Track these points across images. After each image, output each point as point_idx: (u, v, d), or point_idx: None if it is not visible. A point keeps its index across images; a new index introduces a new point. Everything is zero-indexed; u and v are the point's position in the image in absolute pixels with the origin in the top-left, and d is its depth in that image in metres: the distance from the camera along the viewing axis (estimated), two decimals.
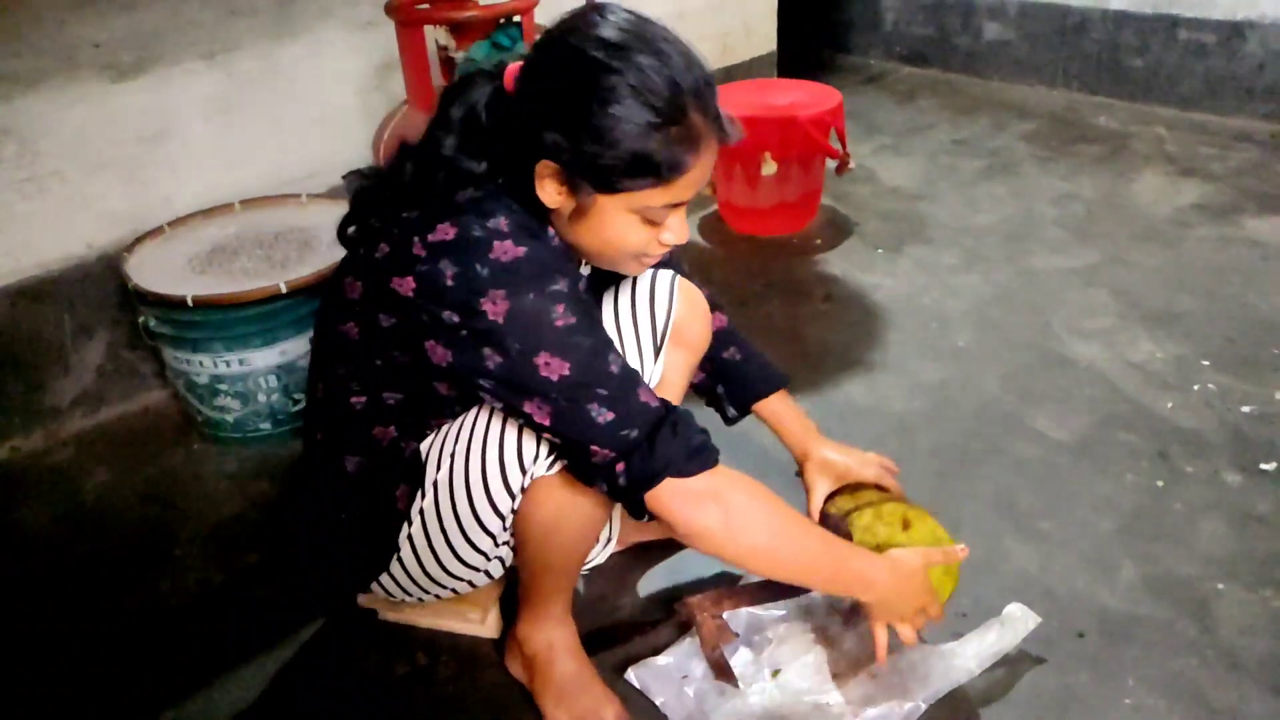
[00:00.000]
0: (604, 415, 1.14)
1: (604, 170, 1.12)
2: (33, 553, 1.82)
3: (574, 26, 1.14)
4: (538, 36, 1.20)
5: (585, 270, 1.39)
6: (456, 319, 1.13)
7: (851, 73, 4.40)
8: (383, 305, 1.19)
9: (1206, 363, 2.19)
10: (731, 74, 3.32)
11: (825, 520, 1.52)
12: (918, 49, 4.37)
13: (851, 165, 2.84)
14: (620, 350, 1.41)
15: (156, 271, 1.99)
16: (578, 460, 1.20)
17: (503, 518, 1.31)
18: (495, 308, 1.11)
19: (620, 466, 1.17)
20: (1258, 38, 3.45)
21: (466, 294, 1.11)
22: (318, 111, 2.40)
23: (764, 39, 3.48)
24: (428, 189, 1.18)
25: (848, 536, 1.43)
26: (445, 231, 1.14)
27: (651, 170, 1.12)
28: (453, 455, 1.29)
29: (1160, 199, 3.02)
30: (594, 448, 1.16)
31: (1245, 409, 2.03)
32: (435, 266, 1.12)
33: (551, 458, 1.26)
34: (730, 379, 1.61)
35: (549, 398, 1.14)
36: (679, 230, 1.21)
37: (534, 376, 1.13)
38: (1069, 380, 2.16)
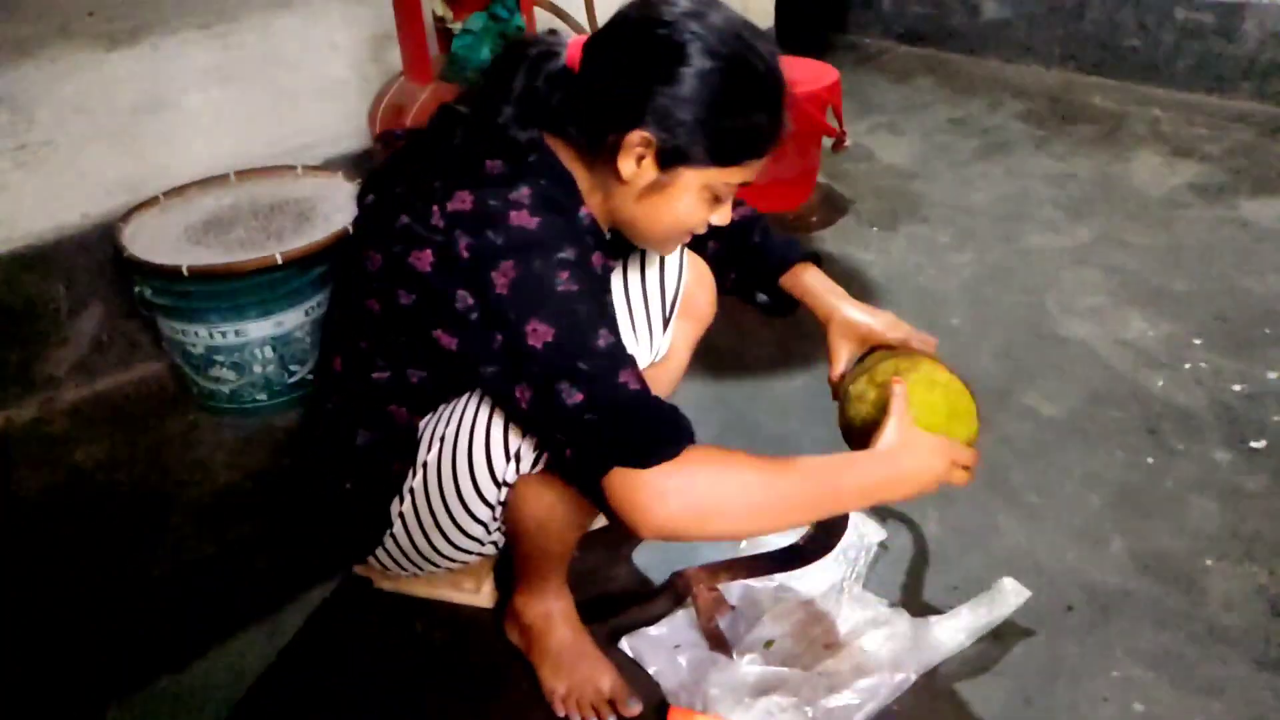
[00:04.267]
0: (573, 396, 1.06)
1: (712, 144, 1.13)
2: (28, 523, 1.82)
3: (666, 17, 1.14)
4: (612, 16, 1.17)
5: (607, 251, 1.32)
6: (470, 300, 1.09)
7: (849, 51, 4.39)
8: (401, 281, 1.15)
9: (1198, 341, 2.21)
10: None
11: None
12: (915, 28, 4.36)
13: (848, 143, 2.83)
14: (631, 327, 1.39)
15: (152, 242, 1.99)
16: (549, 445, 1.15)
17: (491, 507, 1.29)
18: (503, 279, 1.07)
19: (569, 452, 1.09)
20: (1255, 19, 3.45)
21: (479, 265, 1.08)
22: (314, 83, 2.38)
23: (761, 15, 3.46)
24: (470, 157, 1.15)
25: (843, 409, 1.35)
26: (463, 200, 1.10)
27: (754, 148, 1.17)
28: (443, 438, 1.26)
29: (1155, 179, 3.02)
30: (558, 434, 1.09)
31: (1236, 387, 2.04)
32: (451, 237, 1.09)
33: (536, 452, 1.23)
34: (753, 259, 1.51)
35: (531, 374, 1.08)
36: (728, 212, 1.25)
37: (523, 346, 1.07)
38: (1061, 358, 2.17)
